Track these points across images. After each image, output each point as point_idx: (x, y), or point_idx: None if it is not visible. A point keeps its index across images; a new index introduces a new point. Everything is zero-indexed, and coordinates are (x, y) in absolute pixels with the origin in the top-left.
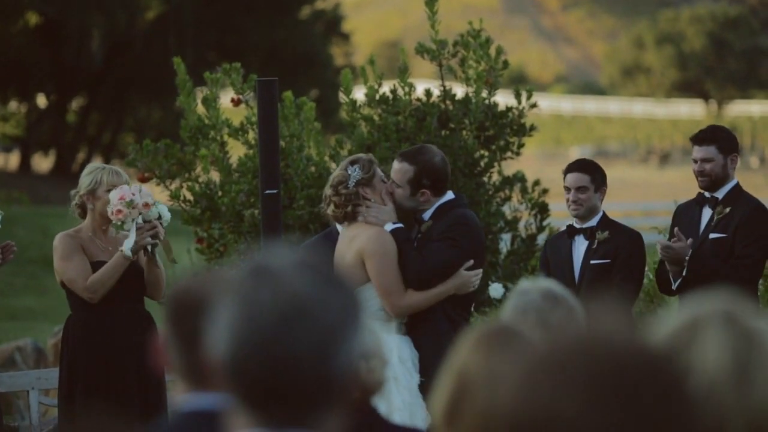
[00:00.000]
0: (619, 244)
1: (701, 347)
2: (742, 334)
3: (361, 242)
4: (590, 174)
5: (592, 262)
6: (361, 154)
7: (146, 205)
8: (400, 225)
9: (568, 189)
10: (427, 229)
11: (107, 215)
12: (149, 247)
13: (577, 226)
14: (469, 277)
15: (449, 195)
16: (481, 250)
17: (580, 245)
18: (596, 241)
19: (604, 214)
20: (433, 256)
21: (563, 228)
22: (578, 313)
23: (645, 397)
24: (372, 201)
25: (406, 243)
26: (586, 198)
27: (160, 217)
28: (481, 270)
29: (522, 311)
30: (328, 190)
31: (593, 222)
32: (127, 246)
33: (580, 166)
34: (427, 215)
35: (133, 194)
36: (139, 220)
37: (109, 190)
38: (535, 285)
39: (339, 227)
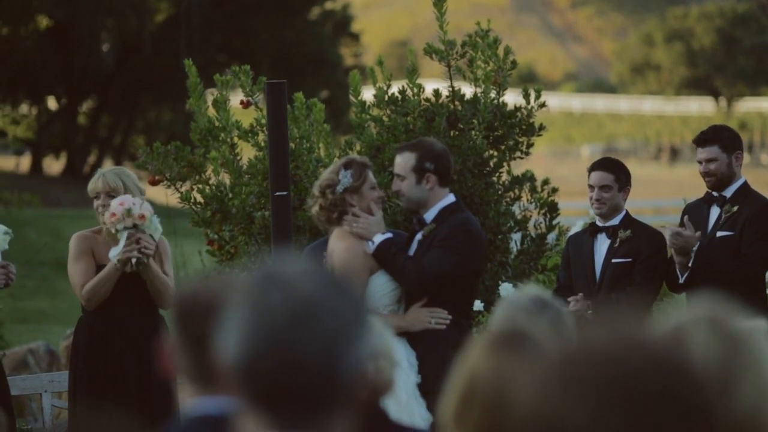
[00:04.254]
0: (641, 244)
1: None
2: (728, 338)
3: (334, 258)
4: (614, 173)
5: (613, 260)
6: (355, 156)
7: (142, 216)
8: (389, 235)
9: (591, 187)
10: (429, 232)
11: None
12: (134, 261)
13: (600, 224)
14: (423, 314)
15: (450, 197)
16: (482, 258)
17: (602, 244)
18: (618, 239)
19: (627, 213)
20: (434, 263)
21: (573, 226)
22: (566, 317)
23: (658, 407)
24: (357, 209)
25: (400, 252)
26: (610, 197)
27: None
28: (444, 312)
29: (511, 318)
30: (315, 191)
31: (616, 221)
32: (113, 254)
33: (605, 164)
34: (429, 217)
35: (133, 204)
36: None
37: (95, 197)
38: (522, 291)
39: None
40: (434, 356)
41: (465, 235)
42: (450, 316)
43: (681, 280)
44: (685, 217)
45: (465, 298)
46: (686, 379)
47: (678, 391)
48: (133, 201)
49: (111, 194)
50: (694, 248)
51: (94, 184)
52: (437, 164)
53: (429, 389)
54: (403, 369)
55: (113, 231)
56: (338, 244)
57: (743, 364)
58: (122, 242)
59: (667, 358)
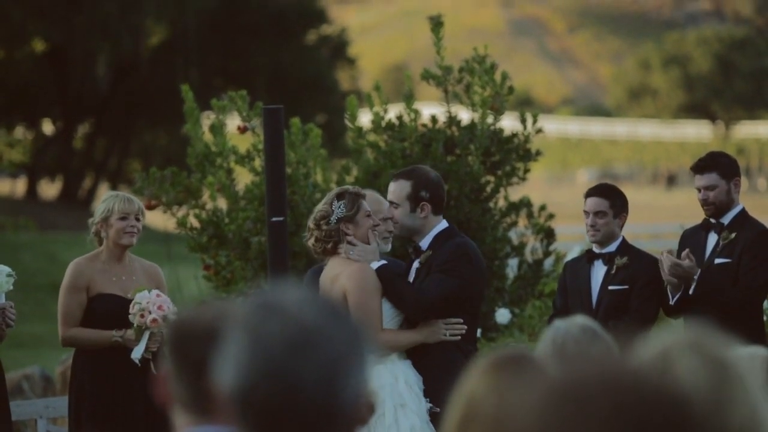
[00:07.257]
0: (638, 271)
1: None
2: (713, 361)
3: (343, 280)
4: (610, 199)
5: (610, 287)
6: (348, 187)
7: None
8: (384, 262)
9: (587, 213)
10: (426, 259)
11: (119, 242)
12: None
13: (596, 251)
14: (438, 325)
15: (444, 223)
16: (482, 280)
17: (599, 270)
18: (615, 266)
19: (623, 239)
20: (434, 288)
21: (570, 252)
22: (615, 349)
23: None
24: (353, 237)
25: (398, 278)
26: (605, 223)
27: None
28: (459, 320)
29: (561, 344)
30: (310, 223)
31: (612, 248)
32: (136, 354)
33: (600, 191)
34: (424, 244)
35: (168, 309)
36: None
37: (121, 218)
38: (572, 320)
39: None
40: (442, 385)
41: (464, 259)
42: (465, 327)
43: (672, 302)
44: (687, 251)
45: (468, 324)
46: (685, 410)
47: (679, 421)
48: (168, 306)
49: (138, 217)
50: (696, 275)
51: (127, 205)
52: (432, 193)
53: (438, 416)
54: (415, 394)
55: (141, 328)
56: (346, 268)
57: (731, 387)
58: (144, 341)
59: (664, 388)
